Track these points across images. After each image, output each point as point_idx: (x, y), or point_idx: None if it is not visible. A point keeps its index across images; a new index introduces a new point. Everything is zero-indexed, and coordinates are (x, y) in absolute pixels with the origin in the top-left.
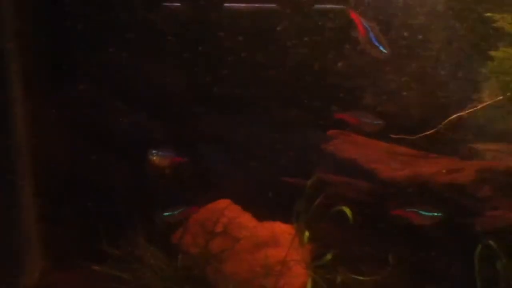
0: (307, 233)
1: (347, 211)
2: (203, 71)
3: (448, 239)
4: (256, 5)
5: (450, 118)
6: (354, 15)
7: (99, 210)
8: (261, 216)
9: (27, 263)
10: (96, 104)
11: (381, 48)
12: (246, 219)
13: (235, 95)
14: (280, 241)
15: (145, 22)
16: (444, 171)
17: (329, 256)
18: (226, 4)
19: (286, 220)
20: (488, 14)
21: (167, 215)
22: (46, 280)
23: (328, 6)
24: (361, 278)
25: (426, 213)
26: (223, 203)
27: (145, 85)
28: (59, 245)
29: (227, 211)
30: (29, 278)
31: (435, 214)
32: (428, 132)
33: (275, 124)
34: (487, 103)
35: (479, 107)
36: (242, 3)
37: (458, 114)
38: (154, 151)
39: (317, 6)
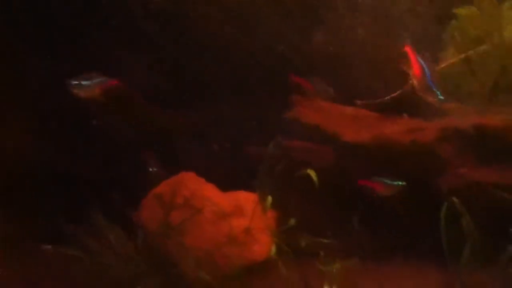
0: (269, 199)
1: (312, 173)
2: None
3: (413, 199)
4: None
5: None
6: (409, 51)
7: (56, 190)
8: (226, 187)
9: None
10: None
11: (438, 94)
12: (209, 190)
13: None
14: (245, 210)
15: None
16: (407, 130)
17: (292, 221)
18: None
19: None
20: None
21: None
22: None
23: None
24: (325, 241)
25: (390, 182)
26: (185, 175)
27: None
28: (15, 226)
29: (189, 183)
30: None
31: (399, 183)
32: (393, 95)
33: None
34: (451, 61)
35: (442, 66)
36: None
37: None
38: (74, 82)
39: None
